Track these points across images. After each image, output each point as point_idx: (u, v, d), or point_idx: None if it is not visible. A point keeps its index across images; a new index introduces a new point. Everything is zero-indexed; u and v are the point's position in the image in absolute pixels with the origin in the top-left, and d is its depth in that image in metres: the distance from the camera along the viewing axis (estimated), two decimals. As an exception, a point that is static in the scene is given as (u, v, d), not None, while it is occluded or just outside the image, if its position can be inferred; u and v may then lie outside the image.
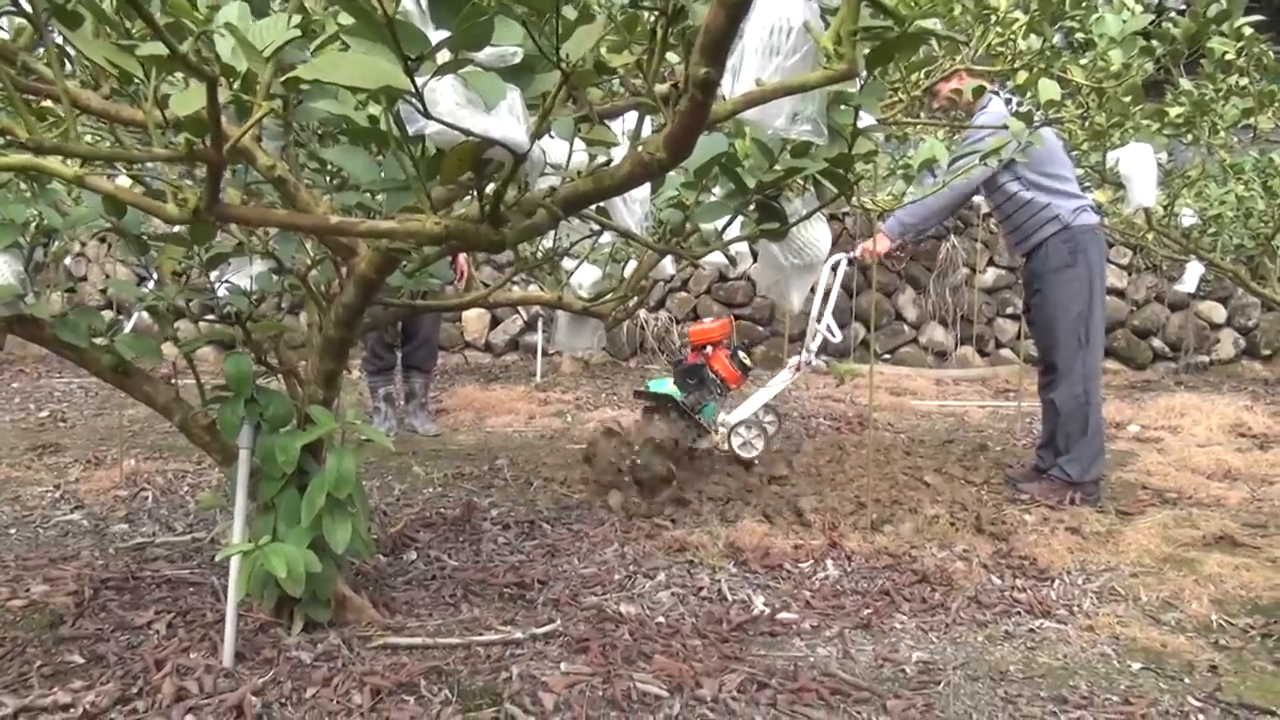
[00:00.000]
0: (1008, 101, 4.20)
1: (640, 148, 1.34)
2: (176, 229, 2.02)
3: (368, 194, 1.60)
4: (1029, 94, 3.02)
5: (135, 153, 1.22)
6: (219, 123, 1.14)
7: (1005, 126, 3.11)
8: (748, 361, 4.43)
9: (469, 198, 1.76)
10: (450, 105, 1.15)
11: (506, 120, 1.20)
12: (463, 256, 4.60)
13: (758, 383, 4.88)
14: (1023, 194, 4.01)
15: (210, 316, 2.54)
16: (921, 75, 3.16)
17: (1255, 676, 2.49)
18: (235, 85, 1.23)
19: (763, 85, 1.31)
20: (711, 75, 1.14)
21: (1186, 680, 2.47)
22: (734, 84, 1.38)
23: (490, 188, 1.40)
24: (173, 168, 1.63)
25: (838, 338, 4.74)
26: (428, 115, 1.14)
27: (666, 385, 4.24)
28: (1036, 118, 3.05)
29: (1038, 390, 4.31)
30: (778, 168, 1.70)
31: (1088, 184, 6.56)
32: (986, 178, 3.96)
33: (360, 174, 1.49)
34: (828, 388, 7.06)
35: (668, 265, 4.12)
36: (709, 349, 4.35)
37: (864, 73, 1.40)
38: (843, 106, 1.64)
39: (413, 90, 1.08)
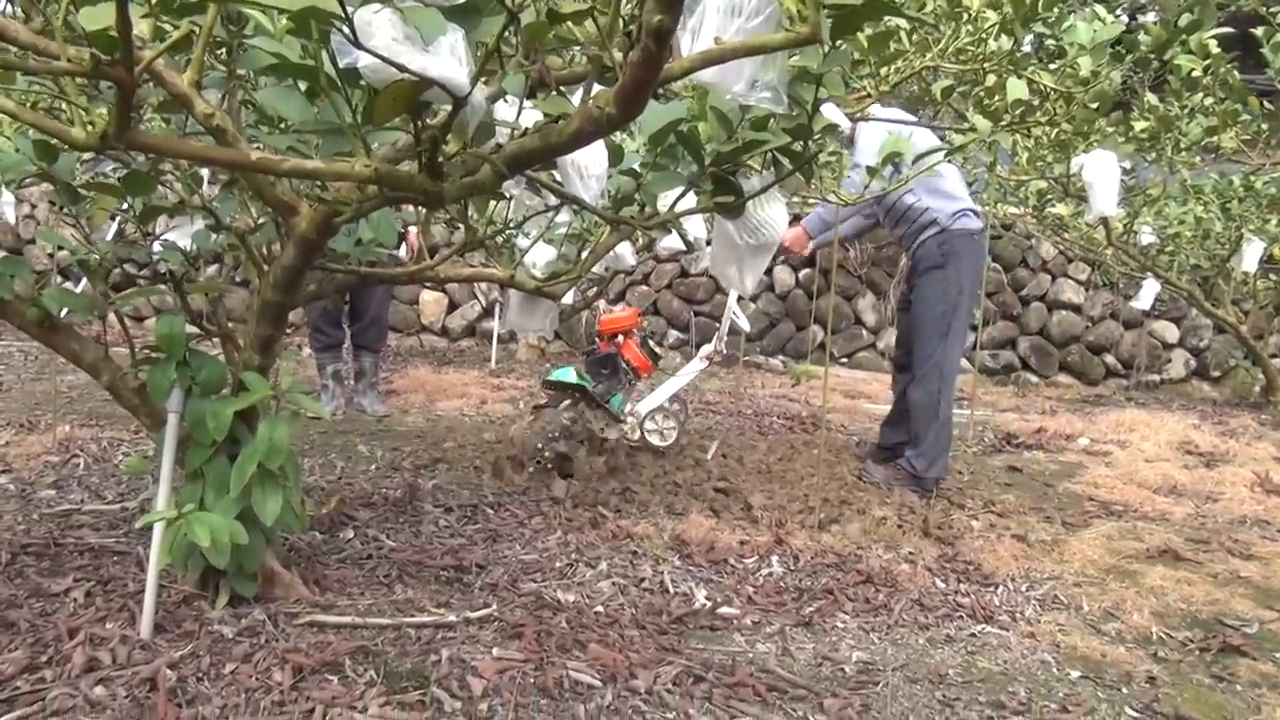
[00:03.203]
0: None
1: (590, 102, 1.28)
2: (110, 178, 1.93)
3: (302, 140, 1.52)
4: (996, 96, 2.98)
5: (33, 63, 1.13)
6: (129, 39, 1.06)
7: (973, 128, 3.09)
8: (658, 350, 4.45)
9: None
10: (386, 39, 1.08)
11: (447, 60, 1.13)
12: (413, 231, 4.51)
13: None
14: (905, 199, 4.11)
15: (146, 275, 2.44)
16: (891, 70, 3.12)
17: (1192, 689, 2.48)
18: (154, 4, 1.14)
19: (722, 44, 1.25)
20: (666, 23, 1.08)
21: (1124, 690, 2.45)
22: (693, 44, 1.32)
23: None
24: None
25: (747, 328, 4.82)
26: (359, 45, 1.07)
27: (569, 374, 4.11)
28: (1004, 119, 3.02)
29: (892, 384, 4.43)
30: (736, 139, 1.64)
31: (1050, 196, 6.61)
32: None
33: (294, 115, 1.41)
34: (783, 388, 7.04)
35: (628, 256, 4.05)
36: (620, 338, 4.32)
37: (828, 40, 1.34)
38: (805, 84, 1.59)
39: (341, 15, 1.01)
